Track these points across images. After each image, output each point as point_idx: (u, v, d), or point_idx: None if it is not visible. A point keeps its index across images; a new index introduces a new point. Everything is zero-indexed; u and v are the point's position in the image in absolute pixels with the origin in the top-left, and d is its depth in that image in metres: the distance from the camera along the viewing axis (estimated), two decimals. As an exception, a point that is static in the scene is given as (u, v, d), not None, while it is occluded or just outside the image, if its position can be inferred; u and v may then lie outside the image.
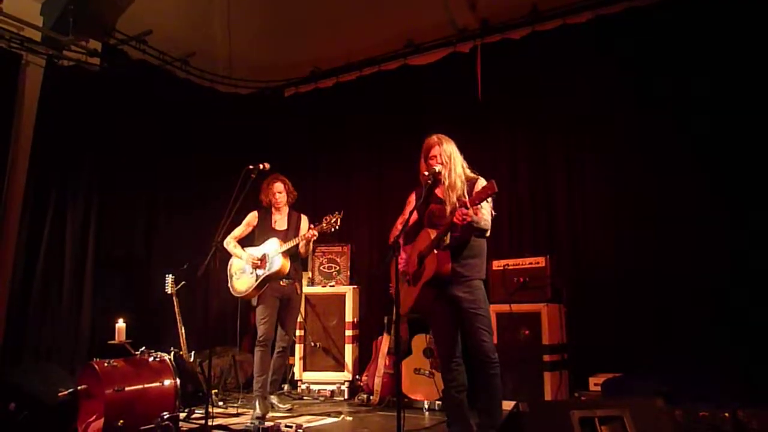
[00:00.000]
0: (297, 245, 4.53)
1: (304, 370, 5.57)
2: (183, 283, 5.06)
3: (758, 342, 3.91)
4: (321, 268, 5.80)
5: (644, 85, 4.76)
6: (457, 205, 2.99)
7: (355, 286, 5.69)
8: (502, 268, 4.74)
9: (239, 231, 4.74)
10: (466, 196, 3.04)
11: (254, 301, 4.65)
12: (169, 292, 5.01)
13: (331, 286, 5.73)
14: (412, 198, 3.47)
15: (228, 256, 4.66)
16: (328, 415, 4.58)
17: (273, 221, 4.73)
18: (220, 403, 4.98)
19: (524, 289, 4.59)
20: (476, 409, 3.25)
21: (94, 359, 3.79)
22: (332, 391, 5.44)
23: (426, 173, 3.27)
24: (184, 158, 6.29)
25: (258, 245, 4.64)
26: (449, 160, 3.24)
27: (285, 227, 4.70)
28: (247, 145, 6.35)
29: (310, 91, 6.84)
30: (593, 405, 2.53)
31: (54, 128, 5.30)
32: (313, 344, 5.56)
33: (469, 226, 3.04)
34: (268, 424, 3.91)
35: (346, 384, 5.43)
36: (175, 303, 4.99)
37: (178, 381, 3.89)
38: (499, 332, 4.45)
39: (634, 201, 4.75)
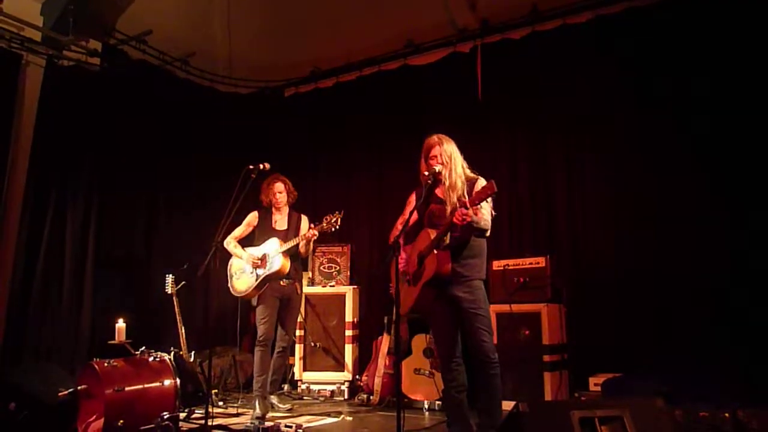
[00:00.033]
0: (297, 245, 4.53)
1: (304, 370, 5.57)
2: (183, 283, 5.06)
3: (758, 342, 3.91)
4: (321, 268, 5.80)
5: (644, 85, 4.76)
6: (457, 205, 2.98)
7: (355, 286, 5.69)
8: (502, 268, 4.74)
9: (239, 231, 4.74)
10: (466, 196, 3.04)
11: (254, 301, 4.65)
12: (169, 292, 5.02)
13: (331, 286, 5.73)
14: (412, 198, 3.47)
15: (228, 256, 4.66)
16: (328, 415, 4.58)
17: (273, 221, 4.73)
18: (220, 403, 4.98)
19: (524, 289, 4.59)
20: (476, 409, 3.25)
21: (94, 359, 3.79)
22: (332, 391, 5.43)
23: (426, 173, 3.27)
24: (184, 158, 6.29)
25: (258, 245, 4.64)
26: (449, 160, 3.24)
27: (285, 227, 4.70)
28: (247, 145, 6.35)
29: (310, 91, 6.84)
30: (593, 405, 2.53)
31: (54, 128, 5.30)
32: (313, 344, 5.55)
33: (469, 226, 3.04)
34: (268, 424, 3.91)
35: (346, 384, 5.43)
36: (175, 303, 5.00)
37: (178, 381, 3.89)
38: (499, 332, 4.45)
39: (634, 201, 4.75)
